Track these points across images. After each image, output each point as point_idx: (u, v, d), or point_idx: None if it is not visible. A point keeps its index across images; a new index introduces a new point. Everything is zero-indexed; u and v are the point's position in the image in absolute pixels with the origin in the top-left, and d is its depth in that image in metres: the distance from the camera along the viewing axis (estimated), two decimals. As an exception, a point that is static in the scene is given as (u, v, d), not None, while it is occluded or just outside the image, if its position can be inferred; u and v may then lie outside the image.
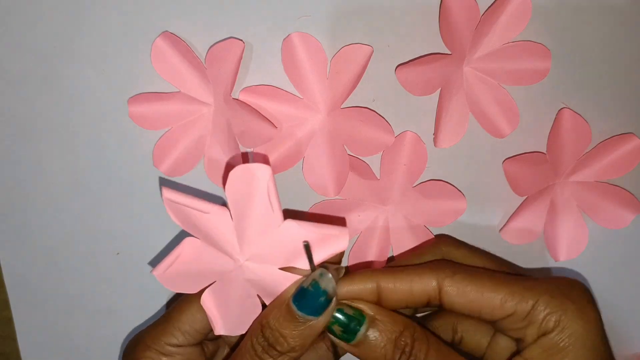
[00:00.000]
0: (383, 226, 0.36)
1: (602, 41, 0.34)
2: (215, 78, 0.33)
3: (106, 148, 0.35)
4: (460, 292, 0.28)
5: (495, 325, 0.29)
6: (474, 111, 0.34)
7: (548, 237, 0.36)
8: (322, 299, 0.27)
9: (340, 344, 0.28)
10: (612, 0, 0.33)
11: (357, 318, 0.28)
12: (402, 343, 0.27)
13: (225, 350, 0.34)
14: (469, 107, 0.34)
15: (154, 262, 0.37)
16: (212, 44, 0.33)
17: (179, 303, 0.32)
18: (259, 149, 0.34)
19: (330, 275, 0.28)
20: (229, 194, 0.27)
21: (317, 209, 0.36)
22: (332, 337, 0.28)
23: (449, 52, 0.33)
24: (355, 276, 0.29)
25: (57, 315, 0.38)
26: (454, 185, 0.35)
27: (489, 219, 0.36)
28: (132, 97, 0.34)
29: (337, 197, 0.35)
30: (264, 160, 0.34)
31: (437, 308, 0.29)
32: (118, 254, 0.37)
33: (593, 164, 0.35)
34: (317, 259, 0.28)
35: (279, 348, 0.28)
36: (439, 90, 0.34)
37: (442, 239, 0.34)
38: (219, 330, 0.30)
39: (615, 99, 0.34)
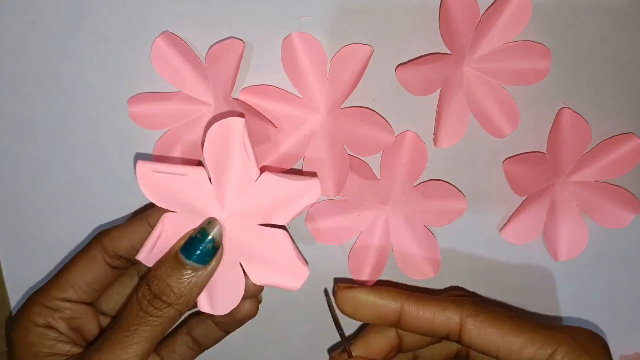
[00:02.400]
0: (383, 226, 0.36)
1: (602, 41, 0.34)
2: (215, 78, 0.33)
3: (106, 148, 0.35)
4: (481, 332, 0.28)
5: None
6: (474, 111, 0.34)
7: (548, 237, 0.36)
8: (210, 246, 0.29)
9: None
10: (612, 0, 0.33)
11: None
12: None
13: None
14: (469, 107, 0.34)
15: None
16: (212, 43, 0.33)
17: (72, 258, 0.32)
18: (259, 149, 0.34)
19: (219, 224, 0.29)
20: (206, 153, 0.28)
21: (317, 208, 0.36)
22: None
23: (449, 52, 0.33)
24: (382, 291, 0.30)
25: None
26: (454, 185, 0.35)
27: (489, 218, 0.36)
28: (132, 97, 0.34)
29: (337, 196, 0.35)
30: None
31: (455, 342, 0.30)
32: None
33: (593, 163, 0.35)
34: (294, 211, 0.30)
35: (164, 298, 0.29)
36: (439, 90, 0.34)
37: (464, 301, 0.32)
38: (208, 309, 0.30)
39: (615, 99, 0.34)
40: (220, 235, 0.29)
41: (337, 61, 0.33)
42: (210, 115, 0.34)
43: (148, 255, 0.30)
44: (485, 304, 0.30)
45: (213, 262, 0.29)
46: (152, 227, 0.31)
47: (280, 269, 0.30)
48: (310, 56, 0.33)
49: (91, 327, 0.32)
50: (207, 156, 0.29)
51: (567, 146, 0.34)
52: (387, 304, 0.30)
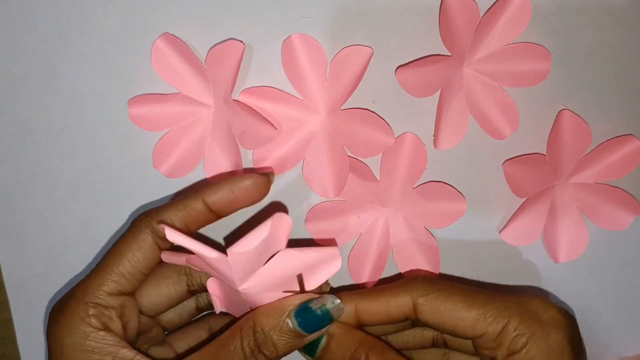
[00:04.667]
0: (383, 228, 0.36)
1: (602, 42, 0.34)
2: (215, 79, 0.33)
3: (106, 149, 0.35)
4: (433, 311, 0.29)
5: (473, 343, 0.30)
6: (473, 113, 0.34)
7: (548, 238, 0.36)
8: (326, 322, 0.29)
9: (305, 357, 0.30)
10: (612, 1, 0.33)
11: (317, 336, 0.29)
12: (358, 356, 0.28)
13: (157, 331, 0.33)
14: (468, 108, 0.34)
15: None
16: (212, 45, 0.33)
17: (116, 245, 0.30)
18: (259, 151, 0.34)
19: (342, 305, 0.29)
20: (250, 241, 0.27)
21: (317, 210, 0.36)
22: (299, 350, 0.30)
23: (449, 54, 0.33)
24: None
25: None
26: (454, 187, 0.35)
27: (488, 220, 0.36)
28: (132, 98, 0.34)
29: (337, 198, 0.35)
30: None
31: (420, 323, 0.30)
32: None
33: (593, 165, 0.35)
34: (317, 282, 0.29)
35: (267, 353, 0.28)
36: (439, 92, 0.34)
37: (417, 278, 0.32)
38: (219, 308, 0.30)
39: (615, 101, 0.34)
40: (338, 317, 0.29)
41: (337, 63, 0.33)
42: (210, 117, 0.34)
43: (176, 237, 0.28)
44: (438, 280, 0.30)
45: (315, 334, 0.29)
46: (208, 204, 0.30)
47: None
48: (310, 57, 0.33)
49: (134, 322, 0.30)
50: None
51: (567, 148, 0.34)
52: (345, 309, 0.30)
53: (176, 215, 0.30)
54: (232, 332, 0.29)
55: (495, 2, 0.33)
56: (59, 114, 0.35)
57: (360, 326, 0.30)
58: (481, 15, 0.32)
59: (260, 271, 0.28)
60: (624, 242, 0.36)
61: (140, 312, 0.31)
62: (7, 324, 0.38)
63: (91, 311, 0.29)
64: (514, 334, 0.27)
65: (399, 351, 0.30)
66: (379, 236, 0.36)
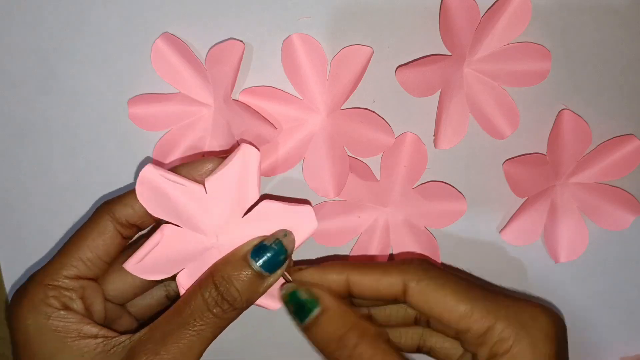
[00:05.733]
0: (383, 227, 0.36)
1: (602, 42, 0.34)
2: (215, 79, 0.33)
3: (106, 149, 0.35)
4: (423, 299, 0.28)
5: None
6: (474, 112, 0.34)
7: (548, 238, 0.36)
8: (282, 257, 0.29)
9: (294, 320, 0.29)
10: (612, 1, 0.33)
11: (310, 304, 0.29)
12: (346, 341, 0.28)
13: (127, 319, 0.33)
14: (469, 108, 0.34)
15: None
16: (212, 45, 0.33)
17: (78, 232, 0.30)
18: (259, 150, 0.34)
19: (293, 236, 0.30)
20: (220, 176, 0.29)
21: (317, 210, 0.36)
22: (288, 311, 0.29)
23: (449, 54, 0.33)
24: (327, 267, 0.30)
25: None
26: (454, 187, 0.35)
27: (489, 220, 0.36)
28: (132, 98, 0.34)
29: (337, 198, 0.35)
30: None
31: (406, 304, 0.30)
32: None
33: (593, 165, 0.35)
34: (297, 241, 0.30)
35: (230, 300, 0.28)
36: (439, 92, 0.34)
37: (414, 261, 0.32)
38: None
39: (615, 100, 0.34)
40: (292, 249, 0.30)
41: (337, 62, 0.33)
42: (210, 117, 0.34)
43: (137, 264, 0.29)
44: (433, 267, 0.30)
45: (278, 272, 0.29)
46: None
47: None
48: (310, 57, 0.33)
49: (100, 308, 0.31)
50: (213, 179, 0.29)
51: (567, 148, 0.34)
52: (334, 278, 0.30)
53: (138, 202, 0.30)
54: (192, 289, 0.29)
55: (496, 1, 0.33)
56: (58, 114, 0.35)
57: (349, 296, 0.30)
58: (481, 15, 0.32)
59: (239, 222, 0.29)
60: (624, 242, 0.36)
61: (107, 299, 0.31)
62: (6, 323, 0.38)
63: (51, 293, 0.29)
64: (498, 337, 0.27)
65: (389, 341, 0.29)
66: (379, 236, 0.36)
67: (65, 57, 0.34)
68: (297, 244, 0.30)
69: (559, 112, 0.34)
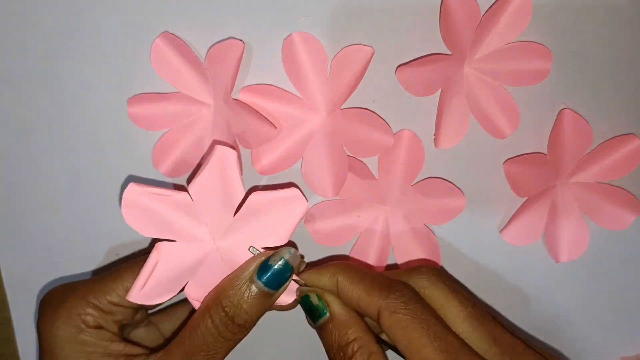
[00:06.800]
0: (383, 226, 0.36)
1: (603, 41, 0.33)
2: (215, 78, 0.33)
3: (105, 149, 0.35)
4: (391, 331, 0.27)
5: None
6: (474, 112, 0.34)
7: (549, 238, 0.36)
8: (287, 274, 0.29)
9: (309, 322, 0.30)
10: (613, 0, 0.33)
11: (319, 309, 0.29)
12: (345, 351, 0.28)
13: (155, 333, 0.34)
14: (469, 107, 0.34)
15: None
16: (212, 44, 0.33)
17: (133, 264, 0.31)
18: (258, 150, 0.34)
19: (298, 252, 0.30)
20: (200, 180, 0.29)
21: (316, 210, 0.35)
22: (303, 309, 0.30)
23: (450, 53, 0.33)
24: (323, 268, 0.30)
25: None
26: (452, 183, 0.35)
27: (489, 220, 0.36)
28: (131, 97, 0.34)
29: (336, 197, 0.35)
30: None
31: None
32: (117, 255, 0.37)
33: (594, 165, 0.35)
34: (291, 225, 0.30)
35: (240, 322, 0.29)
36: (439, 91, 0.34)
37: (420, 270, 0.31)
38: None
39: (616, 100, 0.34)
40: (297, 265, 0.30)
41: (338, 62, 0.33)
42: (210, 116, 0.34)
43: (139, 292, 0.29)
44: (413, 302, 0.28)
45: (282, 288, 0.30)
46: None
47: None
48: (310, 56, 0.33)
49: (128, 323, 0.32)
50: (194, 186, 0.29)
51: (568, 147, 0.34)
52: (325, 282, 0.30)
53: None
54: (200, 314, 0.29)
55: (496, 1, 0.32)
56: (58, 113, 0.35)
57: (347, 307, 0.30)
58: (482, 14, 0.32)
59: (232, 221, 0.30)
60: (625, 242, 0.36)
61: (135, 305, 0.32)
62: (6, 323, 0.38)
63: (89, 310, 0.30)
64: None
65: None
66: (379, 234, 0.36)
67: (64, 56, 0.34)
68: (292, 226, 0.30)
69: (560, 111, 0.34)
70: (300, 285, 0.30)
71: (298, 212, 0.30)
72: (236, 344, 0.29)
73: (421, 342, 0.26)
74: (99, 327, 0.30)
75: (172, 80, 0.34)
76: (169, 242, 0.29)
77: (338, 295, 0.30)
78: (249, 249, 0.30)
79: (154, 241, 0.35)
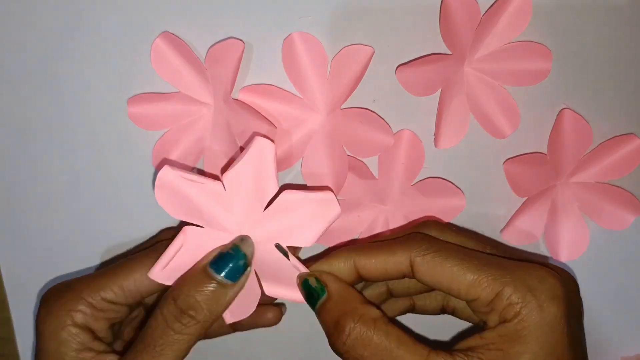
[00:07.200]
0: (383, 226, 0.36)
1: (603, 41, 0.33)
2: (215, 78, 0.33)
3: (105, 149, 0.35)
4: (430, 272, 0.28)
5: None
6: (474, 112, 0.34)
7: (549, 238, 0.36)
8: (242, 262, 0.29)
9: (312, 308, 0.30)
10: (613, 0, 0.33)
11: (317, 291, 0.29)
12: (343, 326, 0.28)
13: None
14: (469, 107, 0.34)
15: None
16: (212, 44, 0.33)
17: (129, 262, 0.31)
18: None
19: (251, 240, 0.29)
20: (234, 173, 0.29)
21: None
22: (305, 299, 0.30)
23: (450, 53, 0.33)
24: (333, 257, 0.30)
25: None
26: (452, 182, 0.35)
27: (489, 220, 0.36)
28: (131, 97, 0.34)
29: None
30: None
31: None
32: (117, 255, 0.37)
33: (594, 164, 0.35)
34: (320, 229, 0.30)
35: (192, 313, 0.28)
36: (439, 91, 0.34)
37: (428, 223, 0.33)
38: (229, 318, 0.30)
39: (616, 100, 0.34)
40: (252, 254, 0.30)
41: (338, 62, 0.33)
42: (210, 116, 0.34)
43: (162, 270, 0.29)
44: (436, 240, 0.29)
45: (242, 279, 0.29)
46: None
47: (291, 283, 0.30)
48: (310, 56, 0.33)
49: (124, 319, 0.32)
50: (230, 175, 0.29)
51: (568, 147, 0.34)
52: (341, 267, 0.30)
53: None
54: (154, 310, 0.29)
55: (496, 0, 0.32)
56: (58, 113, 0.35)
57: (361, 280, 0.30)
58: (482, 13, 0.32)
59: (261, 216, 0.29)
60: (625, 242, 0.36)
61: (129, 302, 0.32)
62: (6, 323, 0.38)
63: (81, 307, 0.30)
64: (506, 302, 0.27)
65: (393, 319, 0.30)
66: (379, 235, 0.36)
67: (64, 56, 0.34)
68: (321, 230, 0.30)
69: (560, 111, 0.34)
70: (301, 271, 0.30)
71: (329, 216, 0.30)
72: (190, 341, 0.28)
73: (462, 267, 0.28)
74: (85, 326, 0.30)
75: (172, 80, 0.34)
76: (197, 228, 0.29)
77: (358, 274, 0.30)
78: (275, 245, 0.30)
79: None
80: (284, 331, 0.37)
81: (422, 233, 0.30)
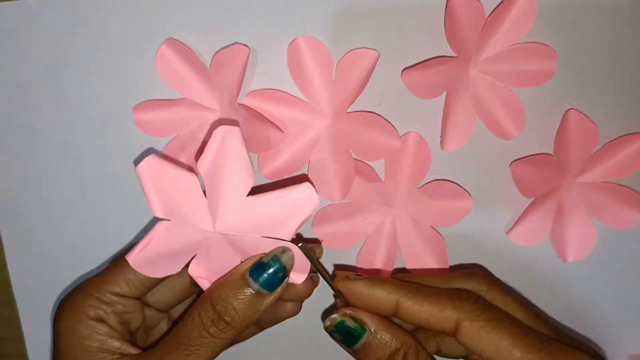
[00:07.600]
0: (390, 229, 0.36)
1: (608, 42, 0.33)
2: (220, 84, 0.33)
3: (112, 155, 0.35)
4: (475, 339, 0.28)
5: None
6: (480, 113, 0.34)
7: (556, 238, 0.36)
8: (281, 274, 0.29)
9: (341, 346, 0.29)
10: (617, 1, 0.33)
11: (358, 330, 0.29)
12: (395, 356, 0.28)
13: (165, 325, 0.34)
14: (475, 109, 0.34)
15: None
16: (217, 49, 0.33)
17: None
18: (265, 154, 0.34)
19: (292, 252, 0.29)
20: (202, 164, 0.28)
21: (324, 213, 0.36)
22: (334, 339, 0.29)
23: (455, 55, 0.33)
24: (378, 283, 0.29)
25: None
26: (459, 184, 0.35)
27: (496, 221, 0.36)
28: (138, 104, 0.34)
29: (343, 201, 0.35)
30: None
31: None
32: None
33: (600, 164, 0.35)
34: (298, 222, 0.29)
35: (228, 319, 0.28)
36: (445, 93, 0.34)
37: (477, 274, 0.32)
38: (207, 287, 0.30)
39: (621, 100, 0.34)
40: (292, 267, 0.29)
41: (343, 65, 0.33)
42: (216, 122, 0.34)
43: (135, 257, 0.29)
44: (487, 306, 0.29)
45: (279, 290, 0.29)
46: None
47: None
48: (316, 60, 0.33)
49: (138, 320, 0.32)
50: (202, 167, 0.28)
51: (574, 147, 0.34)
52: (383, 297, 0.29)
53: None
54: (191, 310, 0.29)
55: (501, 2, 0.32)
56: (64, 120, 0.35)
57: (393, 316, 0.30)
58: (487, 15, 0.32)
59: (240, 205, 0.29)
60: (632, 241, 0.36)
61: (150, 305, 0.32)
62: (14, 324, 0.38)
63: (89, 302, 0.30)
64: None
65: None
66: (387, 237, 0.36)
67: (70, 63, 0.34)
68: (299, 222, 0.29)
69: (566, 112, 0.34)
70: (338, 300, 0.30)
71: (307, 209, 0.29)
72: (224, 345, 0.29)
73: (510, 342, 0.27)
74: (98, 319, 0.30)
75: (177, 87, 0.34)
76: (168, 222, 0.29)
77: (396, 311, 0.29)
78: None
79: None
80: (286, 331, 0.38)
81: (473, 293, 0.29)
